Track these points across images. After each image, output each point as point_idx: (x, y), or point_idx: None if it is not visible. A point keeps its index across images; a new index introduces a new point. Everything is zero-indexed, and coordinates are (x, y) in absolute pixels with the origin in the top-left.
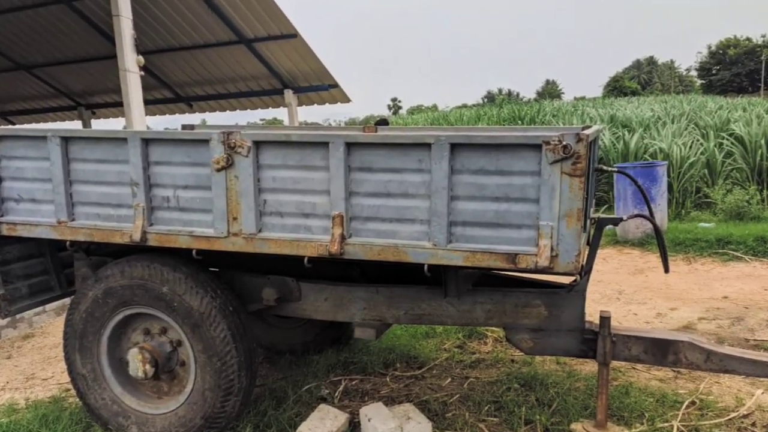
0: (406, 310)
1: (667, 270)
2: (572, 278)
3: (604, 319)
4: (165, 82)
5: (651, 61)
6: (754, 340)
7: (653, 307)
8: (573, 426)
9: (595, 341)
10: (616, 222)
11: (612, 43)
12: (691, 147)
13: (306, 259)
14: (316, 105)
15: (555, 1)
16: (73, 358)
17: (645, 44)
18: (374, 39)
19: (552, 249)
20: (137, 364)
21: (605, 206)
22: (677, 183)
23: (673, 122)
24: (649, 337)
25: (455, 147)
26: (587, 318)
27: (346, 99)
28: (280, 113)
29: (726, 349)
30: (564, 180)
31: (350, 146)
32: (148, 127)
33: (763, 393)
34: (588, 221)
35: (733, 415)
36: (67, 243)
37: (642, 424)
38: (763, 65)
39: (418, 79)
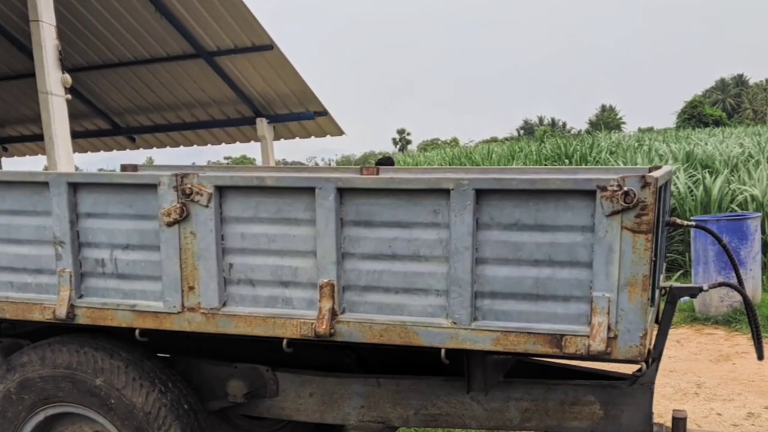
0: (417, 408)
1: (761, 356)
2: (636, 367)
3: (679, 421)
4: (99, 108)
5: (740, 81)
6: None
7: (743, 404)
8: None
9: None
10: (693, 293)
11: (689, 58)
12: None
13: (285, 342)
14: (298, 138)
15: (614, 5)
16: None
17: (732, 60)
18: (376, 53)
19: (609, 328)
20: None
21: (679, 272)
22: None
23: None
24: None
25: (482, 194)
26: (656, 419)
27: (338, 131)
28: (251, 149)
29: None
30: (625, 237)
31: (343, 193)
32: (76, 168)
33: None
34: (657, 292)
35: None
36: None
37: None
38: None
39: (433, 105)
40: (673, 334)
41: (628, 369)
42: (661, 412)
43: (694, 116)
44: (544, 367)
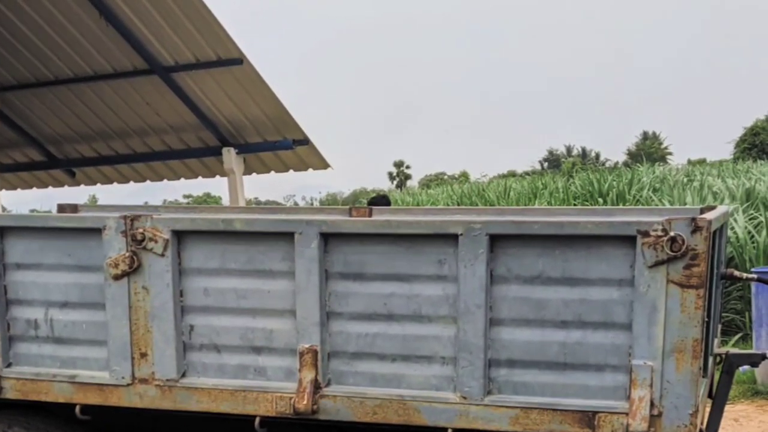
0: None
1: None
2: None
3: None
4: (31, 135)
5: None
6: None
7: None
8: None
9: None
10: (755, 361)
11: (748, 75)
12: None
13: (258, 422)
14: (273, 173)
15: (656, 11)
16: None
17: None
18: (370, 69)
19: (653, 404)
20: None
21: (738, 335)
22: None
23: None
24: None
25: (497, 240)
26: None
27: (322, 164)
28: (217, 186)
29: None
30: (672, 293)
31: (329, 239)
32: (3, 209)
33: None
34: (710, 360)
35: None
36: None
37: None
38: None
39: (438, 133)
40: (730, 411)
41: None
42: None
43: (755, 145)
44: None
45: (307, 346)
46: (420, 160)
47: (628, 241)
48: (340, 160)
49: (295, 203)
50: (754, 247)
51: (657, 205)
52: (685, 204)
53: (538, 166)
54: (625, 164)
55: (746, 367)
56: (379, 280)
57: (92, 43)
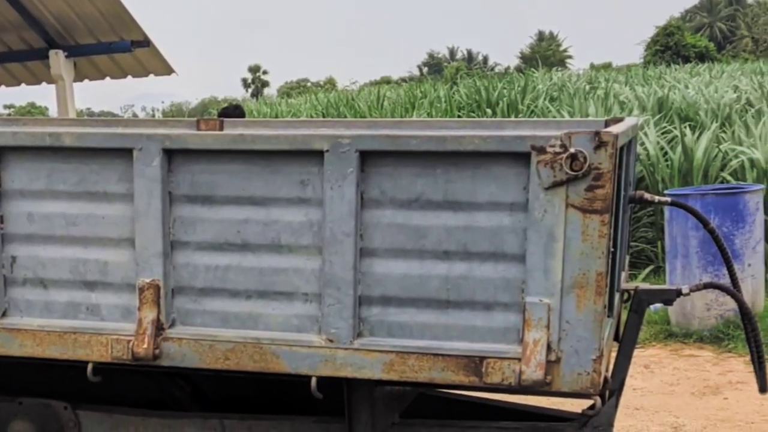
0: None
1: (764, 388)
2: (588, 403)
3: None
4: None
5: None
6: None
7: None
8: None
9: None
10: (669, 298)
11: None
12: None
13: (90, 368)
14: (109, 79)
15: None
16: None
17: None
18: None
19: (549, 348)
20: None
21: (649, 268)
22: None
23: None
24: None
25: (369, 158)
26: None
27: (165, 69)
28: (43, 95)
29: None
30: (572, 219)
31: (173, 156)
32: None
33: None
34: (617, 297)
35: None
36: None
37: None
38: None
39: (301, 37)
40: (640, 356)
41: (577, 406)
42: None
43: (669, 47)
44: (458, 404)
45: (147, 280)
46: (279, 66)
47: (521, 158)
48: (185, 65)
49: (134, 114)
50: (667, 166)
51: (555, 117)
52: (588, 116)
53: (416, 72)
54: (518, 69)
55: (658, 305)
56: (231, 204)
57: None
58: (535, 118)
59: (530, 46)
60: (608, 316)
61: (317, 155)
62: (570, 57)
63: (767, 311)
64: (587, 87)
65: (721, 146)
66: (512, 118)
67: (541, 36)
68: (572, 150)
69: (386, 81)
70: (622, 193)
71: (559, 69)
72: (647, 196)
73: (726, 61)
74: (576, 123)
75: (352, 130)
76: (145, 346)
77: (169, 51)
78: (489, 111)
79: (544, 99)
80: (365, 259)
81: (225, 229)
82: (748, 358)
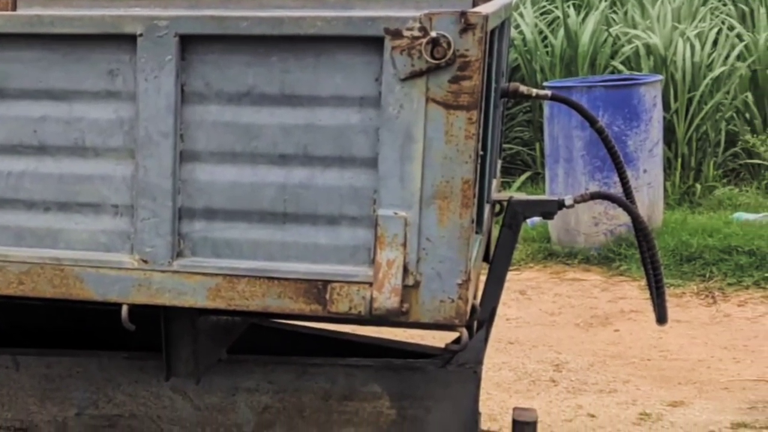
0: (82, 407)
1: (663, 319)
2: (453, 335)
3: (523, 428)
4: None
5: None
6: None
7: (632, 399)
8: None
9: None
10: (549, 211)
11: None
12: (717, 44)
13: None
14: None
15: None
16: None
17: None
18: None
19: (406, 271)
20: None
21: (525, 175)
22: (686, 124)
23: None
24: None
25: (191, 43)
26: (485, 424)
27: None
28: None
29: None
30: (433, 116)
31: None
32: None
33: None
34: (487, 209)
35: None
36: None
37: None
38: None
39: None
40: (515, 280)
41: (439, 339)
42: (495, 411)
43: None
44: (298, 337)
45: None
46: None
47: (373, 44)
48: None
49: None
50: (547, 53)
51: None
52: None
53: None
54: None
55: (536, 219)
56: (26, 98)
57: None
58: None
59: None
60: (477, 233)
61: (129, 40)
62: None
63: (667, 226)
64: None
65: (611, 29)
66: None
67: None
68: (433, 34)
69: None
70: (493, 85)
71: None
72: (523, 89)
73: None
74: (438, 1)
75: (170, 10)
76: None
77: None
78: None
79: None
80: (186, 165)
81: (19, 129)
82: (643, 282)
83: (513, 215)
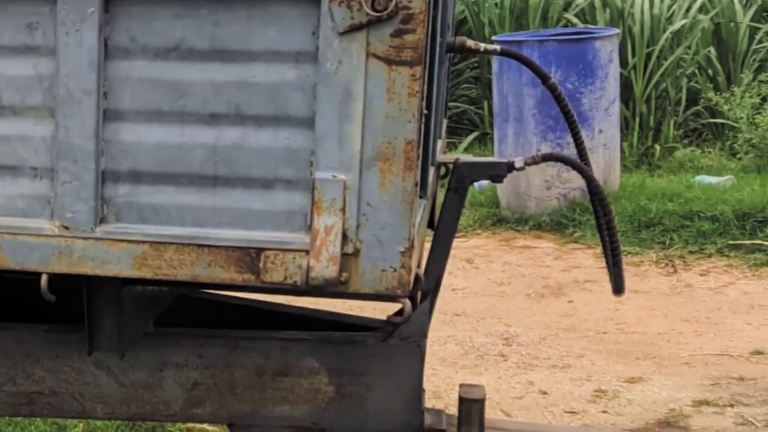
0: None
1: (620, 289)
2: (395, 307)
3: (471, 405)
4: None
5: None
6: None
7: (587, 374)
8: None
9: None
10: (498, 173)
11: None
12: None
13: None
14: None
15: None
16: None
17: None
18: None
19: (345, 238)
20: None
21: (472, 136)
22: (644, 81)
23: None
24: None
25: None
26: (429, 402)
27: None
28: None
29: None
30: (374, 73)
31: None
32: None
33: None
34: (431, 172)
35: None
36: None
37: None
38: None
39: None
40: (462, 247)
41: (382, 311)
42: (440, 388)
43: None
44: (231, 308)
45: None
46: None
47: None
48: None
49: None
50: (496, 5)
51: None
52: None
53: None
54: None
55: (484, 182)
56: None
57: None
58: None
59: None
60: (421, 197)
61: None
62: None
63: (624, 190)
64: None
65: None
66: None
67: None
68: None
69: None
70: (439, 39)
71: None
72: (470, 43)
73: None
74: None
75: None
76: None
77: None
78: None
79: None
80: (110, 124)
81: None
82: (598, 250)
83: (459, 178)
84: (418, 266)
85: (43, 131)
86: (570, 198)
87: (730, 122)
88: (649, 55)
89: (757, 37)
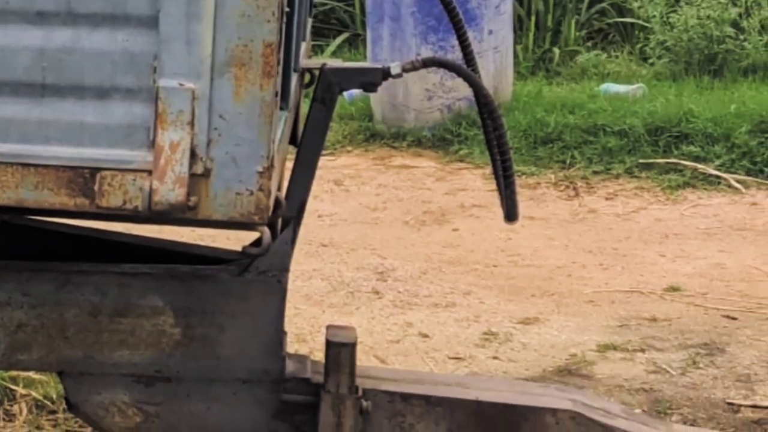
0: None
1: (513, 215)
2: (252, 236)
3: (339, 350)
4: None
5: None
6: (751, 406)
7: (474, 314)
8: None
9: (312, 408)
10: (371, 81)
11: None
12: None
13: None
14: None
15: None
16: None
17: None
18: None
19: (194, 156)
20: None
21: (342, 37)
22: None
23: None
24: (466, 400)
25: None
26: (291, 346)
27: None
28: None
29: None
30: None
31: None
32: None
33: None
34: (294, 80)
35: None
36: None
37: None
38: None
39: None
40: (329, 167)
41: (236, 241)
42: (305, 330)
43: None
44: (64, 238)
45: None
46: None
47: None
48: None
49: None
50: None
51: None
52: None
53: None
54: None
55: (356, 91)
56: None
57: None
58: None
59: None
60: (281, 109)
61: None
62: None
63: (518, 101)
64: None
65: None
66: None
67: None
68: None
69: None
70: None
71: None
72: None
73: None
74: None
75: None
76: None
77: None
78: None
79: None
80: None
81: None
82: (488, 170)
83: (326, 87)
84: (279, 189)
85: None
86: (454, 110)
87: (640, 22)
88: None
89: None
